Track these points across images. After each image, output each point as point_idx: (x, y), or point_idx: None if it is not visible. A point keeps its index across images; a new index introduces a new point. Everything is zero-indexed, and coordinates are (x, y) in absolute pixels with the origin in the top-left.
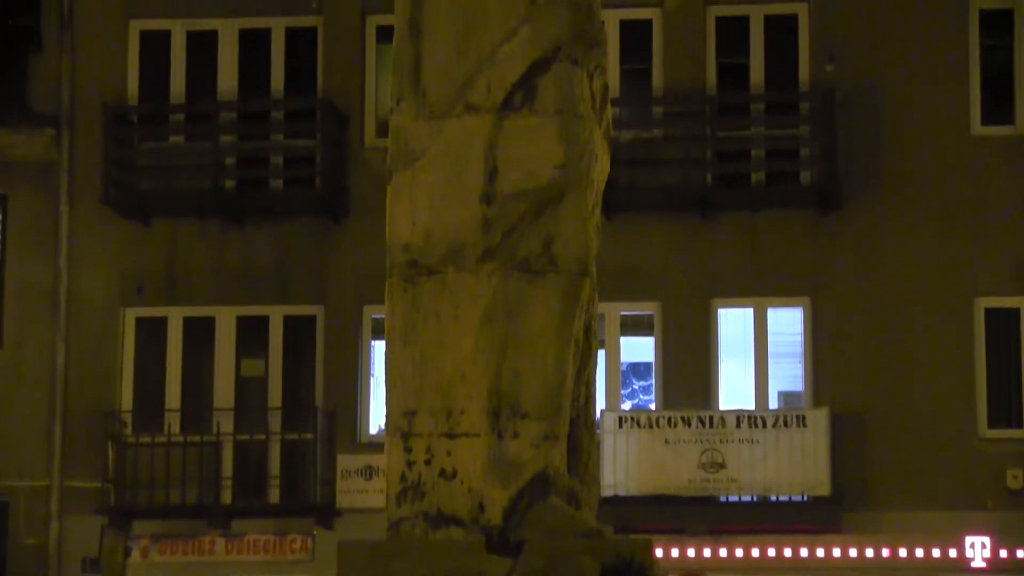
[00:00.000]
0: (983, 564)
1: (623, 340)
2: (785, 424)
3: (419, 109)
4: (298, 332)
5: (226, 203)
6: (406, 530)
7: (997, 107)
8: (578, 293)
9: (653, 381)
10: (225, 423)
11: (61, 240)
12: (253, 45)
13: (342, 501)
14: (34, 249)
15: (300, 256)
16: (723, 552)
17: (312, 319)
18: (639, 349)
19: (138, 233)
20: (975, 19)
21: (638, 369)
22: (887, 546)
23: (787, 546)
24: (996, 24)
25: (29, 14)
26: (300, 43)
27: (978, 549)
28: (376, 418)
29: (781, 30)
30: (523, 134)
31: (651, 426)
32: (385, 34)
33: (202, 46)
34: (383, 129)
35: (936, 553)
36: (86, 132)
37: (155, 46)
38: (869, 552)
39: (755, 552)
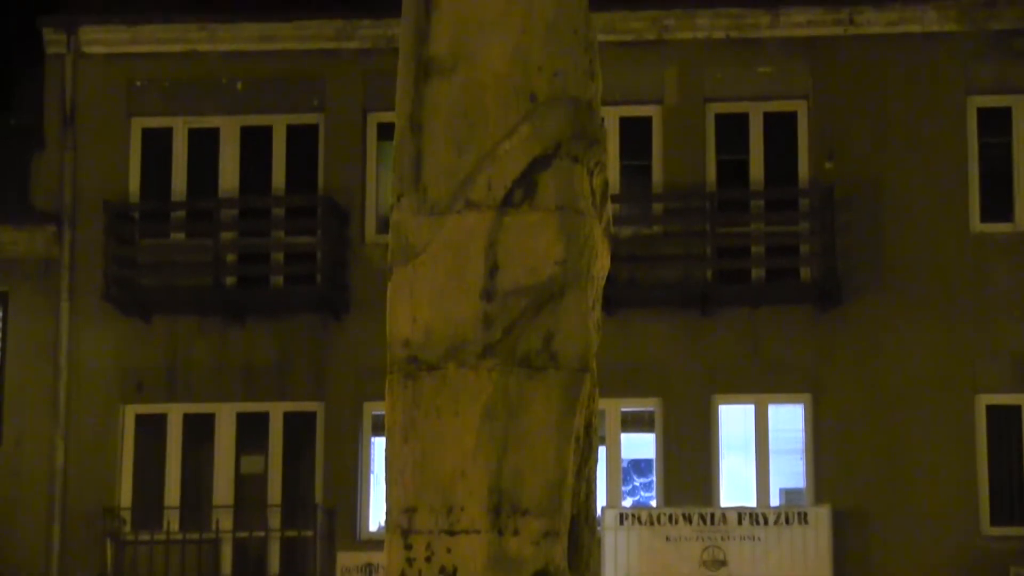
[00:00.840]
0: None
1: (624, 437)
2: (787, 521)
3: (420, 205)
4: (298, 429)
5: (226, 300)
6: None
7: (996, 204)
8: (579, 389)
9: (654, 478)
10: (224, 520)
11: (61, 337)
12: (254, 142)
13: None
14: (34, 346)
15: (300, 352)
16: None
17: (312, 416)
18: (640, 446)
19: (138, 330)
20: (973, 117)
21: (639, 466)
22: None
23: None
24: (994, 122)
25: (32, 112)
26: (301, 140)
27: None
28: (376, 515)
29: (781, 127)
30: (524, 230)
31: (652, 523)
32: (386, 131)
33: (204, 143)
34: (384, 225)
35: None
36: (87, 229)
37: (157, 143)
38: None
39: None
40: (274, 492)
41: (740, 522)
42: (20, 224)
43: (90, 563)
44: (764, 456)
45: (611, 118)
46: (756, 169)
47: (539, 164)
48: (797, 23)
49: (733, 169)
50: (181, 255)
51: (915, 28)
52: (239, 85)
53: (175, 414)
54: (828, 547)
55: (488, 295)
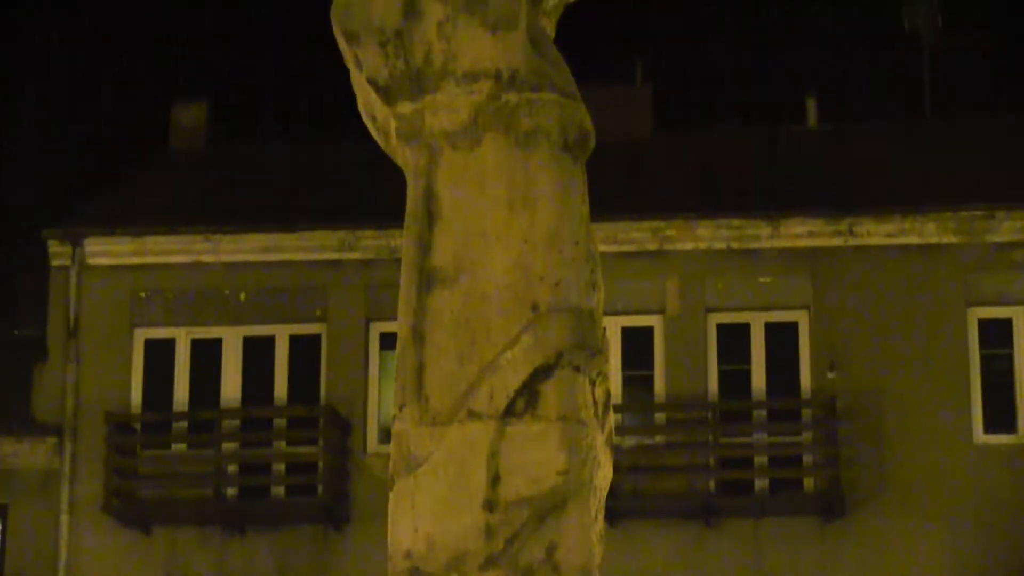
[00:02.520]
0: None
1: None
2: None
3: (422, 415)
4: None
5: (227, 511)
6: None
7: (999, 415)
8: None
9: None
10: None
11: (60, 549)
12: (257, 352)
13: None
14: (33, 559)
15: (301, 564)
16: None
17: None
18: None
19: (138, 542)
20: (974, 328)
21: None
22: None
23: None
24: (995, 333)
25: (35, 323)
26: (304, 350)
27: None
28: None
29: (782, 337)
30: (526, 441)
31: None
32: (388, 341)
33: (206, 354)
34: (385, 436)
35: None
36: (88, 440)
37: (159, 354)
38: None
39: None
40: None
41: None
42: (21, 436)
43: None
44: None
45: (613, 328)
46: (758, 379)
47: (541, 374)
48: (797, 234)
49: (735, 379)
50: (182, 466)
51: (915, 240)
52: (242, 296)
53: None
54: None
55: (490, 506)
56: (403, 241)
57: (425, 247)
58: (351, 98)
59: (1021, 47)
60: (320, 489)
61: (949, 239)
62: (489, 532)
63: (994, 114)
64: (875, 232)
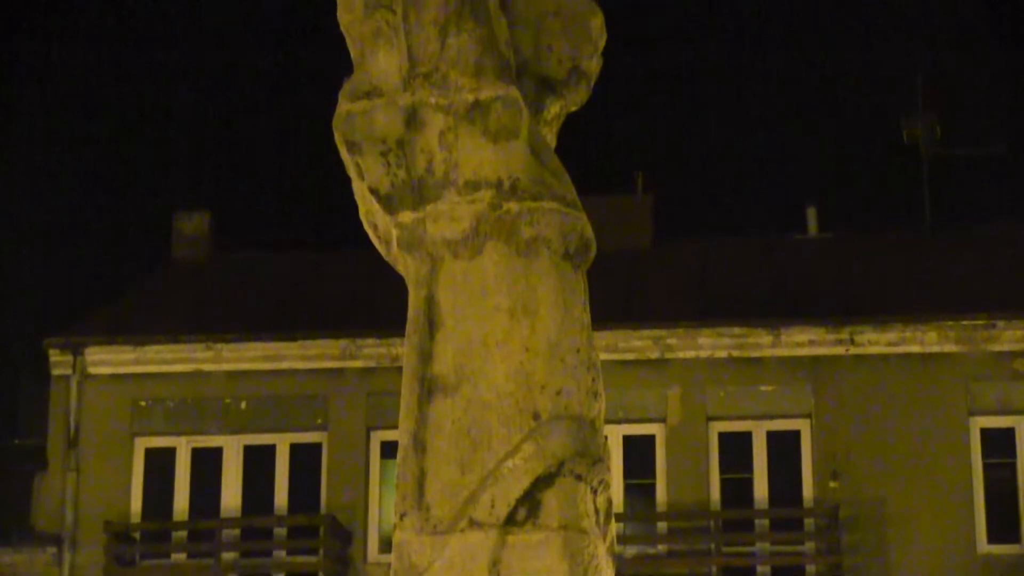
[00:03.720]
0: None
1: None
2: None
3: (423, 524)
4: None
5: None
6: None
7: (1003, 525)
8: None
9: None
10: None
11: None
12: (258, 461)
13: None
14: None
15: None
16: None
17: None
18: None
19: None
20: (977, 437)
21: None
22: None
23: None
24: (998, 442)
25: (35, 433)
26: (304, 458)
27: None
28: None
29: (784, 446)
30: (526, 549)
31: None
32: (389, 449)
33: (207, 462)
34: (386, 545)
35: None
36: (87, 550)
37: (160, 463)
38: None
39: None
40: None
41: None
42: (20, 546)
43: None
44: None
45: (614, 436)
46: (760, 488)
47: (542, 483)
48: (798, 342)
49: (737, 488)
50: (181, 575)
51: (916, 349)
52: (243, 404)
53: None
54: None
55: None
56: (404, 349)
57: (426, 355)
58: (352, 207)
59: (1019, 159)
60: None
61: (950, 348)
62: None
63: (993, 224)
64: (876, 341)
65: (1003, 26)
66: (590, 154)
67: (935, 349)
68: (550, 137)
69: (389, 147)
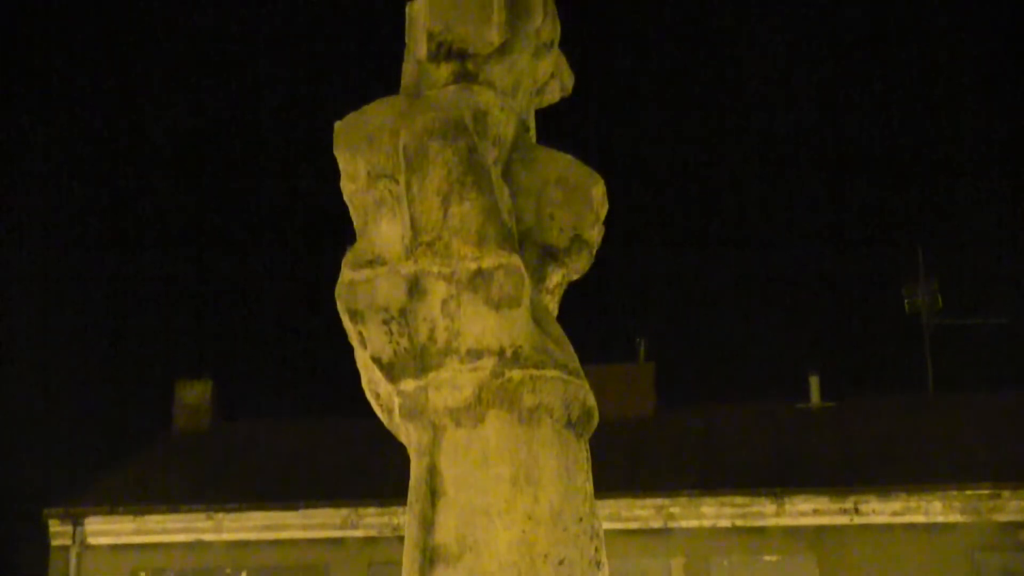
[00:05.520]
0: None
1: None
2: None
3: None
4: None
5: None
6: None
7: None
8: None
9: None
10: None
11: None
12: None
13: None
14: None
15: None
16: None
17: None
18: None
19: None
20: None
21: None
22: None
23: None
24: None
25: None
26: None
27: None
28: None
29: None
30: None
31: None
32: None
33: None
34: None
35: None
36: None
37: None
38: None
39: None
40: None
41: None
42: None
43: None
44: None
45: None
46: None
47: None
48: (802, 512)
49: None
50: None
51: (920, 519)
52: (244, 574)
53: None
54: None
55: None
56: (406, 518)
57: (428, 524)
58: (353, 375)
59: (1019, 328)
60: None
61: (955, 518)
62: None
63: (996, 393)
64: (881, 511)
65: (1003, 209)
66: (592, 322)
67: (940, 519)
68: (552, 305)
69: (392, 315)
